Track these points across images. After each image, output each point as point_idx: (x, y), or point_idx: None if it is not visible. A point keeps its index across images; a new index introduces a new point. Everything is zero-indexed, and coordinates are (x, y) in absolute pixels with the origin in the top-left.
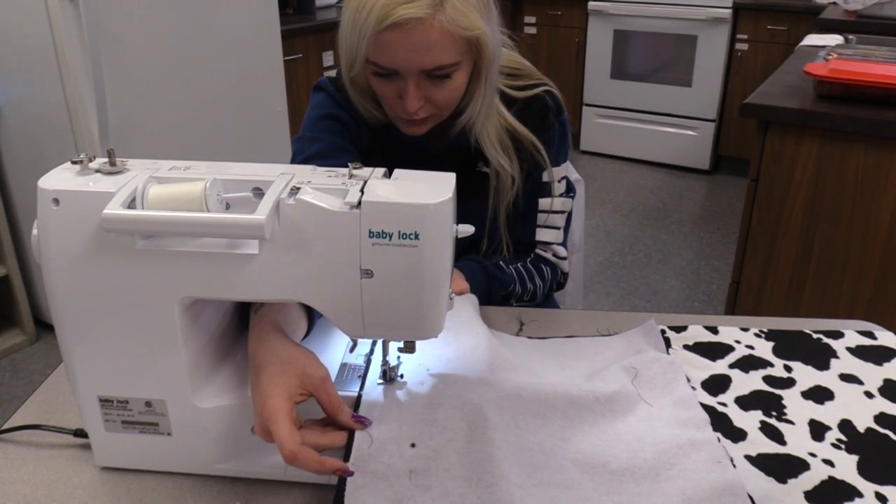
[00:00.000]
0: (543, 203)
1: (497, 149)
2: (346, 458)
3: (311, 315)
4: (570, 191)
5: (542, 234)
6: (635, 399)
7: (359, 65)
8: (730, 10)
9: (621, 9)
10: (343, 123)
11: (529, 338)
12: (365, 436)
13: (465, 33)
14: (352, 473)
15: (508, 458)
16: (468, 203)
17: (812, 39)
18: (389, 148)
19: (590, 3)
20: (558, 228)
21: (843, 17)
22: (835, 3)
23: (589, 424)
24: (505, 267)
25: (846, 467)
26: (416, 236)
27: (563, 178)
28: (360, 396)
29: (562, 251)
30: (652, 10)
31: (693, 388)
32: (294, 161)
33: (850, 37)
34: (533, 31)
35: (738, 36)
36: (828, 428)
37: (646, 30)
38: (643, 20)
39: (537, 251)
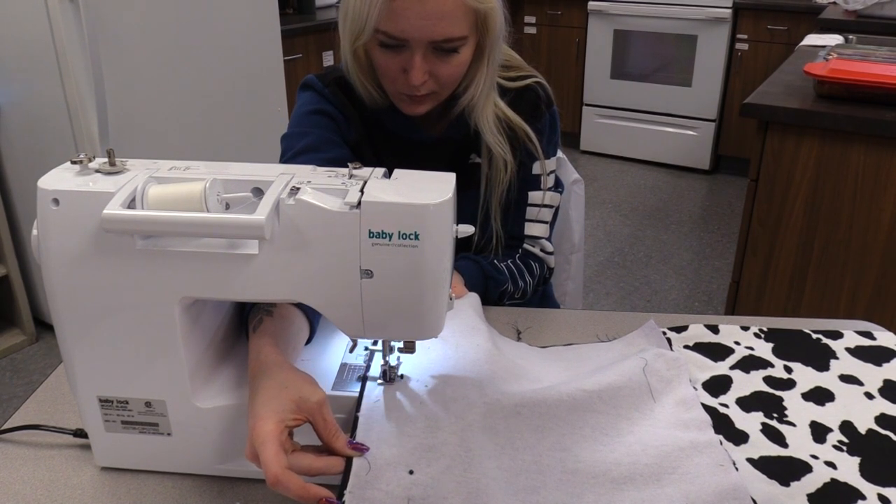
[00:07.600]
0: (534, 197)
1: (494, 132)
2: (344, 484)
3: (313, 321)
4: (558, 185)
5: (531, 229)
6: (641, 391)
7: (367, 34)
8: (730, 10)
9: (621, 9)
10: (332, 118)
11: (529, 345)
12: (362, 462)
13: (477, 5)
14: (336, 502)
15: (502, 489)
16: (461, 195)
17: (812, 39)
18: (380, 141)
19: (590, 3)
20: (546, 223)
21: (843, 17)
22: (835, 3)
23: (591, 427)
24: (498, 265)
25: (848, 469)
26: (416, 236)
27: (552, 172)
28: (356, 419)
29: (549, 246)
30: (652, 10)
31: (694, 389)
32: (284, 158)
33: (850, 37)
34: (533, 31)
35: (738, 36)
36: (829, 429)
37: (646, 30)
38: (643, 20)
39: (525, 246)
